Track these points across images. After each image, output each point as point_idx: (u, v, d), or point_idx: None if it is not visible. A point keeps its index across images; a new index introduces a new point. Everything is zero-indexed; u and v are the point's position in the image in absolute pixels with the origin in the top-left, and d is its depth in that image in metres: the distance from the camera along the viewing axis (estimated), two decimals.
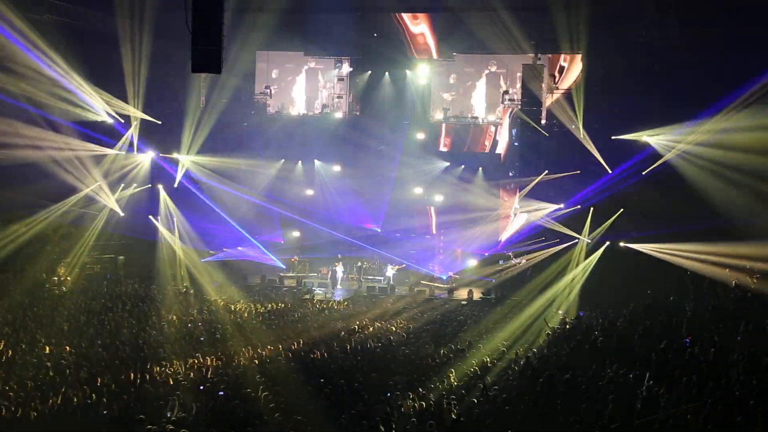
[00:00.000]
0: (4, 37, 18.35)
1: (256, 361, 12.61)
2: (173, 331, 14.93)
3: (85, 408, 9.69)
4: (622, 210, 21.28)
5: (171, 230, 23.83)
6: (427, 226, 25.68)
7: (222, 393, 10.41)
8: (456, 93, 24.88)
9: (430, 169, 25.05)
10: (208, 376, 11.52)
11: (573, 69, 23.05)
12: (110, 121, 22.61)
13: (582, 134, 22.04)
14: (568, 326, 15.30)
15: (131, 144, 23.40)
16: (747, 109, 17.46)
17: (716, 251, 17.31)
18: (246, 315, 17.28)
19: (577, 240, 21.89)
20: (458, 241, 24.84)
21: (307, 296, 21.99)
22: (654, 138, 20.60)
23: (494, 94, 24.48)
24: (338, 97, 25.40)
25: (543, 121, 23.21)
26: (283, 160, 25.70)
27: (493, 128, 24.58)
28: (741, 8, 18.40)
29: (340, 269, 24.22)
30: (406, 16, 24.02)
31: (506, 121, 24.36)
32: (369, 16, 23.92)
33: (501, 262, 23.50)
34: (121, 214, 23.13)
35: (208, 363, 12.39)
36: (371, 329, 16.29)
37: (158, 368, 11.78)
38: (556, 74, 23.15)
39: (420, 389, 10.79)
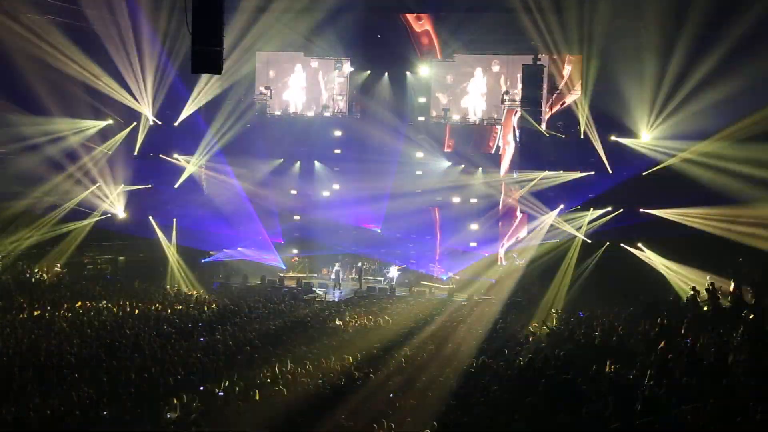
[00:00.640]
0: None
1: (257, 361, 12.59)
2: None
3: (85, 408, 9.70)
4: (621, 209, 21.32)
5: (170, 230, 23.85)
6: (427, 227, 25.63)
7: (222, 393, 10.41)
8: (456, 93, 24.86)
9: (431, 169, 25.06)
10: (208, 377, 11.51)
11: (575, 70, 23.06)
12: (111, 122, 22.69)
13: (582, 135, 22.07)
14: (569, 326, 15.30)
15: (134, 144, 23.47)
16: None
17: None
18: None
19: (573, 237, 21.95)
20: (459, 241, 24.82)
21: (309, 296, 22.03)
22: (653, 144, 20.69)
23: (494, 94, 24.48)
24: (339, 98, 25.40)
25: (543, 122, 23.20)
26: (282, 160, 25.73)
27: (499, 128, 24.52)
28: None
29: (339, 269, 24.25)
30: (410, 17, 24.00)
31: (510, 122, 24.33)
32: (371, 17, 23.87)
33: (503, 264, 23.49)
34: (122, 215, 23.17)
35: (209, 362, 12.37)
36: None
37: (158, 368, 11.77)
38: (563, 74, 23.13)
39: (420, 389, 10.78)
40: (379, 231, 25.44)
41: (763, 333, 11.24)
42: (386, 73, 24.76)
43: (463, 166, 24.97)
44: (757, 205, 17.43)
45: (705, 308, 14.06)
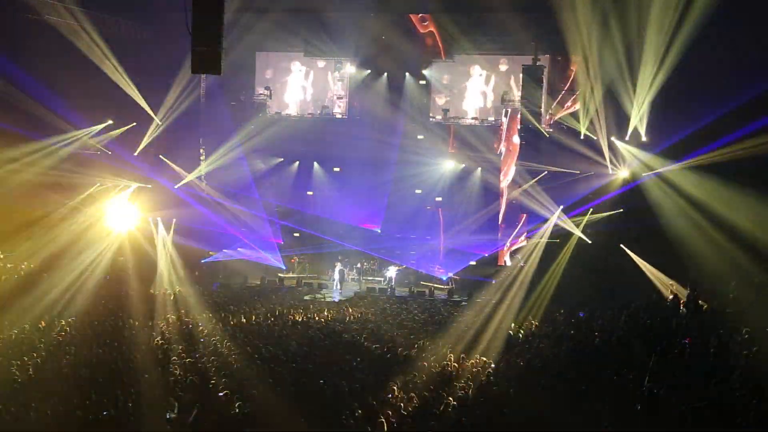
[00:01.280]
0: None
1: (257, 362, 12.59)
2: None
3: (85, 408, 9.70)
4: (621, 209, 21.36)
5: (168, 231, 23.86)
6: (426, 227, 25.61)
7: (222, 394, 10.41)
8: (456, 94, 24.88)
9: (431, 169, 25.07)
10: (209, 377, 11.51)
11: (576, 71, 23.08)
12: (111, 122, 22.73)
13: (583, 136, 22.09)
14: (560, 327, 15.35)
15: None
16: None
17: None
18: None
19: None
20: (460, 242, 24.81)
21: (308, 297, 22.01)
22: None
23: (495, 95, 24.49)
24: (339, 98, 25.41)
25: (543, 122, 23.20)
26: (281, 160, 25.74)
27: (504, 129, 24.48)
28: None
29: (339, 269, 24.26)
30: (414, 18, 23.98)
31: (512, 123, 24.30)
32: (372, 17, 23.84)
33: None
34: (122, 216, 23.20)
35: (208, 364, 12.37)
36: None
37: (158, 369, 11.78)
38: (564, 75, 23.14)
39: (419, 390, 10.77)
40: (378, 231, 25.43)
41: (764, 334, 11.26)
42: (385, 74, 24.74)
43: (463, 166, 24.97)
44: None
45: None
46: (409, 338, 14.99)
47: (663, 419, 8.74)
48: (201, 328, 15.34)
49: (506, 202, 24.02)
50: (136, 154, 23.65)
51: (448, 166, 25.13)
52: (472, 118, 24.83)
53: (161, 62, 22.16)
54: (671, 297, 16.57)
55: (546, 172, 22.82)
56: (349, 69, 25.19)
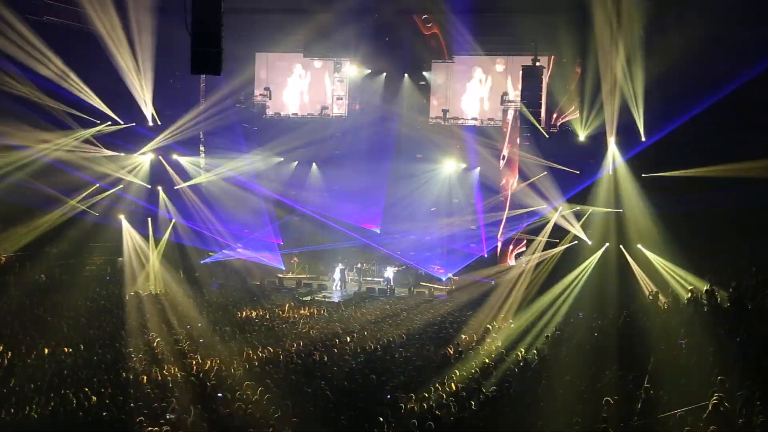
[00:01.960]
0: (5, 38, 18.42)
1: (256, 363, 12.61)
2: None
3: (85, 409, 9.70)
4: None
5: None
6: (426, 227, 25.60)
7: (221, 395, 10.41)
8: (455, 94, 24.88)
9: (432, 170, 25.08)
10: (208, 378, 11.50)
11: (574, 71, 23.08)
12: (109, 122, 22.68)
13: (583, 137, 22.10)
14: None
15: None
16: None
17: None
18: None
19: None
20: (459, 242, 24.80)
21: (308, 298, 22.02)
22: None
23: (494, 95, 24.49)
24: (338, 99, 25.40)
25: (543, 122, 23.20)
26: (281, 160, 25.75)
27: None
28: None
29: (339, 270, 24.25)
30: (417, 19, 23.95)
31: (510, 123, 24.31)
32: (373, 18, 23.82)
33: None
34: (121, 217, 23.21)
35: (207, 365, 12.38)
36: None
37: (157, 369, 11.79)
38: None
39: (420, 391, 10.77)
40: (378, 231, 25.43)
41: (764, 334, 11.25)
42: (385, 74, 24.73)
43: (464, 166, 24.97)
44: None
45: (705, 309, 14.08)
46: None
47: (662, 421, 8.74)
48: (200, 326, 15.39)
49: (508, 203, 23.99)
50: (136, 154, 23.67)
51: (449, 167, 25.11)
52: (472, 119, 24.83)
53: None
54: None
55: (545, 173, 22.81)
56: (349, 69, 25.18)
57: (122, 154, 23.30)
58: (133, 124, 23.06)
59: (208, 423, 9.28)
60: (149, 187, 24.08)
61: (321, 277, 25.14)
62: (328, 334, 15.65)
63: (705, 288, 15.10)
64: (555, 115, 23.36)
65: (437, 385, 11.05)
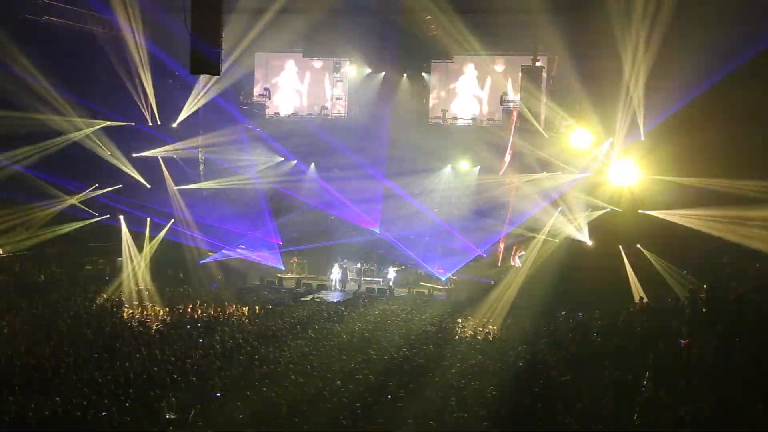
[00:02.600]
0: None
1: (256, 363, 12.60)
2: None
3: (84, 408, 9.69)
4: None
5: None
6: (426, 227, 25.57)
7: (220, 394, 10.42)
8: (455, 94, 24.88)
9: (431, 169, 25.08)
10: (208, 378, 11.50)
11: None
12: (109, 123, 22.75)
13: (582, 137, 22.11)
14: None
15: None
16: None
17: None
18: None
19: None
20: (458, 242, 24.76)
21: (308, 297, 22.00)
22: None
23: (494, 95, 24.49)
24: (337, 99, 25.40)
25: (543, 123, 23.22)
26: (282, 159, 25.76)
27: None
28: None
29: (338, 270, 24.24)
30: (417, 19, 23.90)
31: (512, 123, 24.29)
32: (373, 18, 23.79)
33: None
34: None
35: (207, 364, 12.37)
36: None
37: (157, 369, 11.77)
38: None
39: (420, 390, 10.78)
40: (377, 231, 25.42)
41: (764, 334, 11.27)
42: (384, 74, 24.72)
43: (464, 166, 24.97)
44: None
45: (704, 309, 14.08)
46: None
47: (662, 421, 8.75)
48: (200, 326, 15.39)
49: (511, 201, 23.99)
50: (135, 155, 23.71)
51: (448, 167, 25.11)
52: (471, 119, 24.82)
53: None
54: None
55: (545, 172, 22.83)
56: (349, 70, 25.16)
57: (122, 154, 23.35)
58: (132, 123, 23.10)
59: (208, 422, 9.30)
60: (149, 186, 24.10)
61: (320, 277, 25.13)
62: (328, 333, 15.64)
63: (704, 286, 15.13)
64: (555, 116, 23.35)
65: (437, 385, 11.07)
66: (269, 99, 25.41)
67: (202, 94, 24.18)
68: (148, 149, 23.79)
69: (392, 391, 10.62)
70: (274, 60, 25.64)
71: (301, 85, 25.58)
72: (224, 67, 9.47)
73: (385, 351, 13.59)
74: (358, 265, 25.07)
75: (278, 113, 25.62)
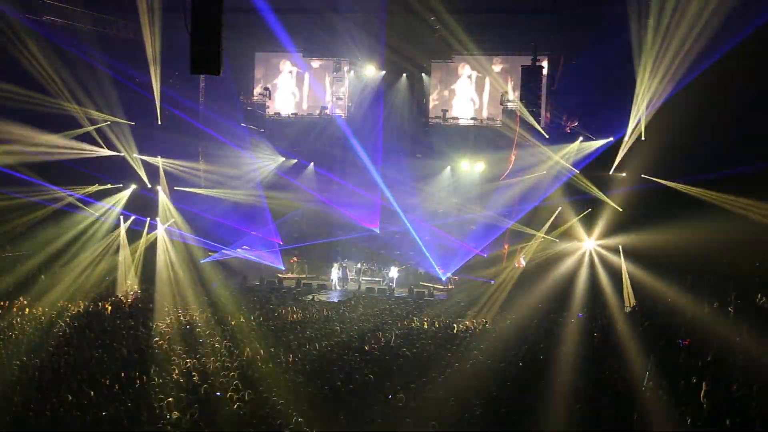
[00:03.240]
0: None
1: (257, 362, 12.61)
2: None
3: (84, 408, 9.69)
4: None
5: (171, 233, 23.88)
6: (425, 227, 25.59)
7: (220, 394, 10.40)
8: (455, 94, 24.89)
9: (432, 169, 25.09)
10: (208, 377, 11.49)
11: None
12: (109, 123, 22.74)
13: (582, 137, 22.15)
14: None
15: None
16: None
17: None
18: None
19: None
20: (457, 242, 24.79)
21: (308, 297, 22.00)
22: None
23: (494, 95, 24.51)
24: (338, 99, 25.41)
25: (542, 123, 23.22)
26: (283, 159, 25.80)
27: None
28: None
29: (338, 270, 24.25)
30: (417, 19, 23.91)
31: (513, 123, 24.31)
32: (372, 18, 23.80)
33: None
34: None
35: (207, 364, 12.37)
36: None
37: (157, 368, 11.77)
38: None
39: (419, 389, 10.77)
40: (377, 231, 25.44)
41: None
42: (384, 74, 24.72)
43: (464, 164, 24.99)
44: None
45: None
46: None
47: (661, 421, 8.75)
48: (200, 327, 15.37)
49: (514, 201, 24.01)
50: (136, 155, 23.72)
51: (448, 167, 25.13)
52: (471, 119, 24.83)
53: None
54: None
55: (545, 172, 22.86)
56: (349, 70, 25.16)
57: (122, 154, 23.35)
58: (132, 123, 23.11)
59: (208, 422, 9.29)
60: (149, 186, 24.13)
61: (321, 277, 25.13)
62: (327, 333, 15.65)
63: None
64: (553, 115, 23.37)
65: (437, 384, 11.06)
66: (269, 99, 25.41)
67: (202, 93, 24.24)
68: (149, 149, 23.82)
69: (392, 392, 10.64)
70: (274, 60, 25.66)
71: (301, 85, 25.59)
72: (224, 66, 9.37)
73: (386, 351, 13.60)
74: (358, 265, 25.08)
75: (278, 113, 25.64)
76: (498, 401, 9.97)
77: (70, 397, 10.00)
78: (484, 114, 24.77)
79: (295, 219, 26.10)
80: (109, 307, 17.46)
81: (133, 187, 23.96)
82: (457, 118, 24.86)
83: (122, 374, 11.33)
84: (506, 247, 24.04)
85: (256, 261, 25.08)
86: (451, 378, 11.51)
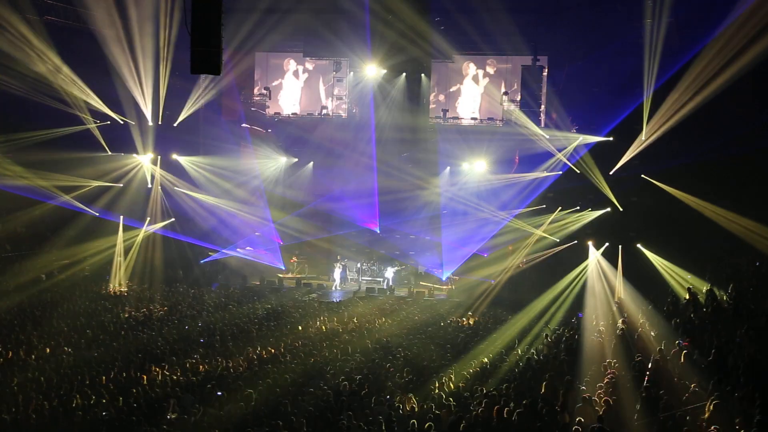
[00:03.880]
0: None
1: (256, 363, 12.62)
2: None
3: (84, 409, 9.70)
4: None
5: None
6: (425, 228, 25.57)
7: (220, 394, 10.42)
8: (455, 93, 24.88)
9: (432, 169, 25.10)
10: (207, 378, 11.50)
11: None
12: (109, 122, 22.74)
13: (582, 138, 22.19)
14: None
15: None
16: None
17: None
18: None
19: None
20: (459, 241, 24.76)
21: (308, 298, 21.98)
22: None
23: (494, 95, 24.50)
24: (338, 99, 25.40)
25: (542, 123, 23.24)
26: (285, 159, 25.80)
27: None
28: None
29: (338, 270, 24.25)
30: (417, 19, 23.90)
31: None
32: (372, 19, 23.76)
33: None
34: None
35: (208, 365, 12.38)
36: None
37: (157, 369, 11.78)
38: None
39: (420, 391, 10.78)
40: (377, 231, 25.44)
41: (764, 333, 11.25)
42: (385, 74, 24.70)
43: (464, 165, 24.99)
44: None
45: (705, 309, 14.07)
46: None
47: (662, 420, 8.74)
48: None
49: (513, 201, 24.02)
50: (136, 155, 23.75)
51: (448, 167, 25.13)
52: (472, 118, 24.82)
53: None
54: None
55: (544, 172, 22.87)
56: (349, 69, 25.15)
57: (122, 153, 23.36)
58: (132, 122, 23.10)
59: (207, 422, 9.29)
60: (150, 186, 24.13)
61: (321, 277, 25.11)
62: (328, 334, 15.66)
63: (705, 288, 15.12)
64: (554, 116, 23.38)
65: (437, 384, 11.06)
66: (269, 99, 25.40)
67: (202, 93, 24.23)
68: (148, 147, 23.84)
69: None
70: (274, 60, 25.65)
71: (301, 84, 25.58)
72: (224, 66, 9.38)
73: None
74: (359, 265, 25.07)
75: (278, 113, 25.63)
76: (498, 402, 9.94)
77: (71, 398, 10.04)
78: (485, 114, 24.74)
79: (295, 219, 26.10)
80: None
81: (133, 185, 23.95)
82: (458, 118, 24.85)
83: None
84: (510, 248, 24.04)
85: (257, 261, 25.06)
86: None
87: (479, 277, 23.29)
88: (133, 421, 9.12)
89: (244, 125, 25.23)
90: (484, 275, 23.24)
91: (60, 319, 15.58)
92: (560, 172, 22.89)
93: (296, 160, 25.94)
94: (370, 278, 24.87)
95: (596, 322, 15.97)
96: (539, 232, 22.82)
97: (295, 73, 25.60)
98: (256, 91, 25.46)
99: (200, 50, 9.07)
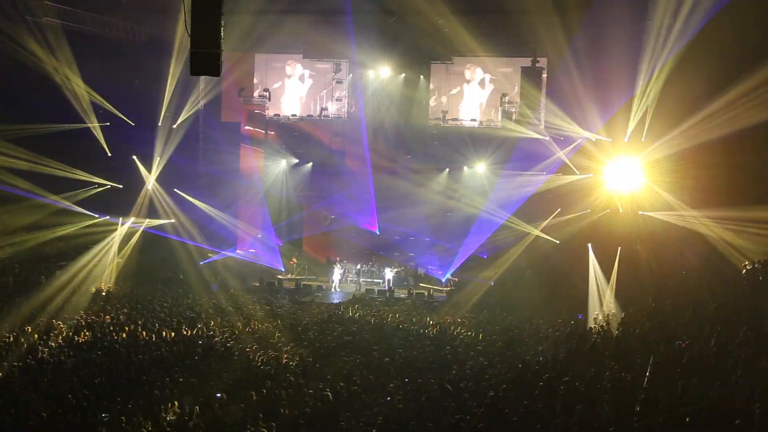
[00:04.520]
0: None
1: (256, 364, 12.62)
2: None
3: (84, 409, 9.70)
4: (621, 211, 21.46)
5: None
6: (425, 228, 25.57)
7: (220, 395, 10.42)
8: (455, 95, 24.90)
9: (432, 170, 25.09)
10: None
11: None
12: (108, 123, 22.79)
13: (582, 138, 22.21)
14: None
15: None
16: None
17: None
18: None
19: None
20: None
21: (307, 299, 21.99)
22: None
23: (494, 96, 24.52)
24: (338, 100, 25.41)
25: (542, 124, 23.26)
26: (285, 161, 25.80)
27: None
28: None
29: (338, 271, 24.26)
30: (417, 19, 23.91)
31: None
32: (371, 19, 23.78)
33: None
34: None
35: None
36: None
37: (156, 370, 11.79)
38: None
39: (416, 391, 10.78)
40: (377, 233, 25.45)
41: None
42: (385, 75, 24.73)
43: (464, 167, 25.00)
44: None
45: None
46: None
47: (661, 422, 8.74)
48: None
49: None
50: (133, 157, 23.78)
51: (449, 168, 25.14)
52: (471, 120, 24.83)
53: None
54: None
55: (544, 172, 22.90)
56: (348, 71, 25.17)
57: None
58: (132, 124, 23.13)
59: (208, 423, 9.30)
60: (150, 186, 24.15)
61: (321, 278, 25.10)
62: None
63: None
64: (554, 117, 23.40)
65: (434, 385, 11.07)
66: (269, 100, 25.41)
67: (202, 95, 24.25)
68: (150, 148, 23.85)
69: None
70: (274, 61, 25.64)
71: (301, 86, 25.59)
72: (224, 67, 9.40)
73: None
74: (358, 266, 25.06)
75: (278, 114, 25.63)
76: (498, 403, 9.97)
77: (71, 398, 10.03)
78: (484, 116, 24.76)
79: (295, 220, 26.11)
80: None
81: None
82: (457, 120, 24.85)
83: None
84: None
85: (256, 262, 25.05)
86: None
87: (479, 279, 23.31)
88: (132, 422, 9.12)
89: (244, 127, 25.22)
90: (483, 276, 23.26)
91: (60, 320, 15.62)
92: (560, 173, 22.96)
93: (296, 161, 25.95)
94: (369, 279, 24.85)
95: (597, 322, 15.98)
96: (537, 232, 22.85)
97: (295, 75, 25.60)
98: (255, 92, 25.46)
99: (200, 52, 9.10)
